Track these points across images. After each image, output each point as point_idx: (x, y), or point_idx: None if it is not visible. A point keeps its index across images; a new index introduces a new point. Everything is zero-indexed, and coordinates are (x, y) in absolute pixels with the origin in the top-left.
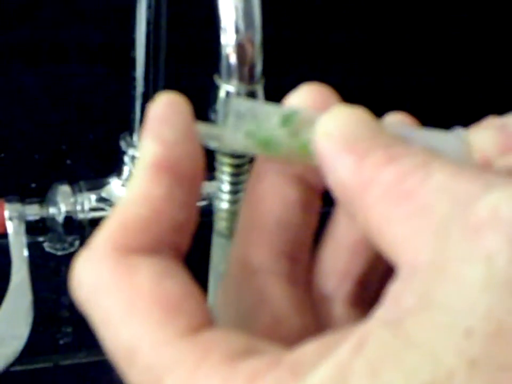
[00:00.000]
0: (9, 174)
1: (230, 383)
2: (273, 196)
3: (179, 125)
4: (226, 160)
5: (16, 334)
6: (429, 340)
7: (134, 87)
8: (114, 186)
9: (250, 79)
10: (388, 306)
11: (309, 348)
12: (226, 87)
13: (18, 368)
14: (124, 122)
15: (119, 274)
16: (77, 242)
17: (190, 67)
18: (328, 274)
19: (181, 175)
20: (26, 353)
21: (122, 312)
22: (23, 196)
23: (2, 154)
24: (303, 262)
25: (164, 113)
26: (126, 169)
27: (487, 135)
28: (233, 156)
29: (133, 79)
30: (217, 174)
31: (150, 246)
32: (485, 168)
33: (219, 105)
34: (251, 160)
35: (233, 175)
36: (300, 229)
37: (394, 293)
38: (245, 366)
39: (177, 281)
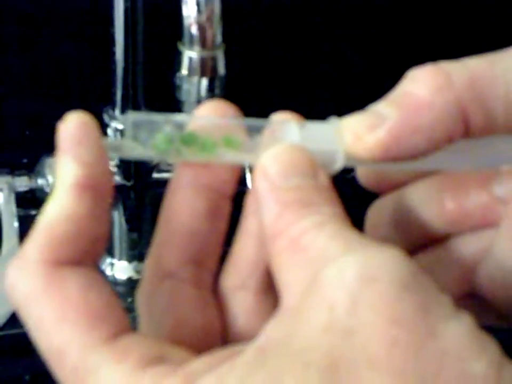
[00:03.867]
0: (0, 150)
1: None
2: (183, 208)
3: (93, 145)
4: None
5: (7, 297)
6: (278, 367)
7: (114, 62)
8: None
9: (211, 46)
10: (262, 336)
11: (202, 361)
12: (189, 53)
13: (9, 331)
14: (106, 97)
15: (49, 285)
16: None
17: (167, 41)
18: (239, 266)
19: (98, 192)
20: (17, 316)
21: (53, 319)
22: (14, 170)
23: None
24: (211, 265)
25: (78, 134)
26: None
27: (358, 118)
28: None
29: (113, 53)
30: None
31: (75, 258)
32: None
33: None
34: None
35: None
36: (207, 236)
37: (269, 326)
38: (151, 372)
39: (100, 292)
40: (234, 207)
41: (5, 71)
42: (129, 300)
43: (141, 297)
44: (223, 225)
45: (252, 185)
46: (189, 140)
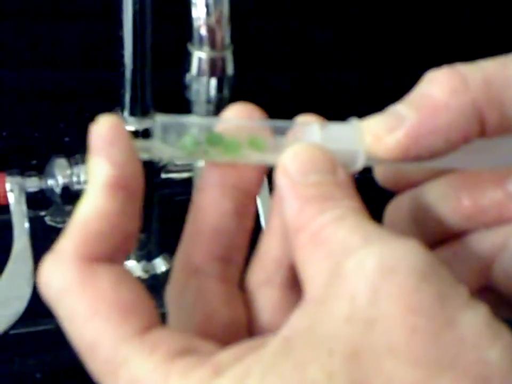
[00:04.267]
0: (10, 152)
1: (168, 378)
2: (210, 207)
3: (124, 146)
4: None
5: (18, 295)
6: (303, 356)
7: (123, 64)
8: None
9: (220, 46)
10: (286, 327)
11: (229, 352)
12: (199, 54)
13: (20, 330)
14: (115, 99)
15: (83, 280)
16: None
17: (175, 42)
18: (265, 263)
19: (130, 192)
20: (28, 315)
21: (86, 312)
22: (24, 171)
23: (4, 133)
24: (238, 262)
25: (109, 135)
26: None
27: (378, 119)
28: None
29: (122, 56)
30: None
31: (107, 254)
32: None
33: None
34: None
35: None
36: (234, 233)
37: (293, 317)
38: (181, 363)
39: (131, 287)
40: None
41: (15, 74)
42: None
43: (170, 292)
44: (249, 223)
45: (274, 185)
46: (215, 141)
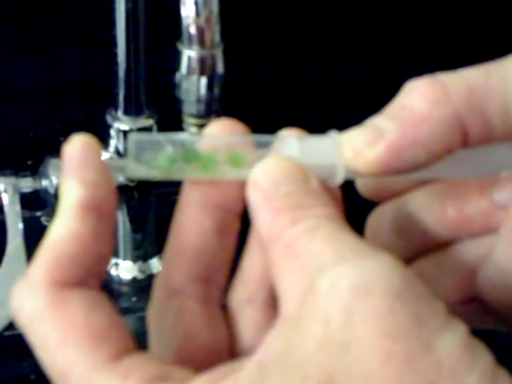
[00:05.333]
0: (4, 152)
1: None
2: (192, 226)
3: (96, 167)
4: (193, 121)
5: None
6: (277, 381)
7: (116, 64)
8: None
9: (210, 45)
10: (261, 349)
11: (204, 378)
12: (188, 53)
13: (15, 331)
14: (109, 98)
15: (54, 306)
16: None
17: (168, 41)
18: (246, 281)
19: (102, 213)
20: None
21: (57, 339)
22: (18, 171)
23: None
24: (219, 281)
25: (81, 155)
26: (112, 142)
27: (357, 132)
28: (199, 116)
29: (115, 55)
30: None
31: (79, 279)
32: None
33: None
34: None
35: None
36: (216, 253)
37: (268, 339)
38: None
39: (103, 313)
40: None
41: (8, 74)
42: (134, 299)
43: (151, 314)
44: (231, 242)
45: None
46: (191, 157)
